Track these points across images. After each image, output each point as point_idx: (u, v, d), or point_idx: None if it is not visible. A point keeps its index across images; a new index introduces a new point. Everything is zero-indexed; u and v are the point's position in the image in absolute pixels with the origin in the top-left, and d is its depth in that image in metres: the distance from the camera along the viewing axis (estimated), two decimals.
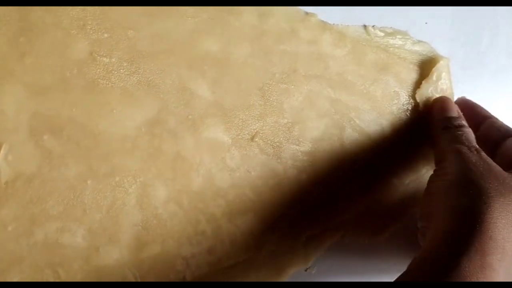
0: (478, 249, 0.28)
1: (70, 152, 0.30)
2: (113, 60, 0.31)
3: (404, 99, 0.39)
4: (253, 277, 0.35)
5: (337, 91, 0.36)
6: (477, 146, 0.34)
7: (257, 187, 0.35)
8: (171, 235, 0.33)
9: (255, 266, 0.35)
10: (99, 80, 0.31)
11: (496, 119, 0.37)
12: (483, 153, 0.33)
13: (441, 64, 0.38)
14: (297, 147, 0.35)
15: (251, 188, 0.35)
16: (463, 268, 0.27)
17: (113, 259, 0.31)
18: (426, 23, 0.38)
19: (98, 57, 0.31)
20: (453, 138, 0.35)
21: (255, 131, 0.34)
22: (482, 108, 0.38)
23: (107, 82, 0.31)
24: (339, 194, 0.37)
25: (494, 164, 0.32)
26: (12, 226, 0.29)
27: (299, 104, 0.36)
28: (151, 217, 0.32)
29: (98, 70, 0.31)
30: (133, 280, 0.32)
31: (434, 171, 0.36)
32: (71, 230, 0.30)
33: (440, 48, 0.39)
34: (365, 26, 0.37)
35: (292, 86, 0.35)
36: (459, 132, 0.35)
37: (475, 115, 0.38)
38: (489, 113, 0.38)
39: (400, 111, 0.39)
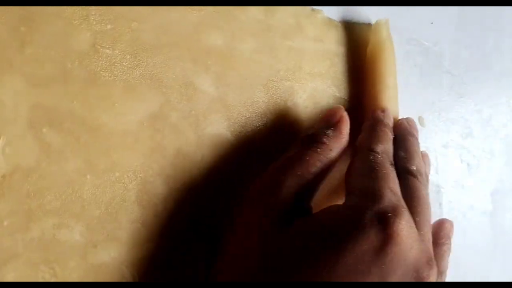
0: None
1: (69, 146, 0.29)
2: (116, 52, 0.30)
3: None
4: None
5: (342, 90, 0.36)
6: None
7: None
8: (170, 234, 0.32)
9: None
10: (101, 72, 0.30)
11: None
12: None
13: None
14: None
15: None
16: None
17: (111, 257, 0.30)
18: (431, 23, 0.38)
19: (101, 49, 0.30)
20: None
21: (259, 128, 0.34)
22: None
23: (109, 75, 0.30)
24: None
25: None
26: (8, 221, 0.28)
27: (303, 102, 0.35)
28: (150, 214, 0.31)
29: (101, 62, 0.30)
30: (130, 279, 0.31)
31: None
32: (69, 226, 0.29)
33: (445, 49, 0.38)
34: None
35: (297, 84, 0.35)
36: None
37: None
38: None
39: None
